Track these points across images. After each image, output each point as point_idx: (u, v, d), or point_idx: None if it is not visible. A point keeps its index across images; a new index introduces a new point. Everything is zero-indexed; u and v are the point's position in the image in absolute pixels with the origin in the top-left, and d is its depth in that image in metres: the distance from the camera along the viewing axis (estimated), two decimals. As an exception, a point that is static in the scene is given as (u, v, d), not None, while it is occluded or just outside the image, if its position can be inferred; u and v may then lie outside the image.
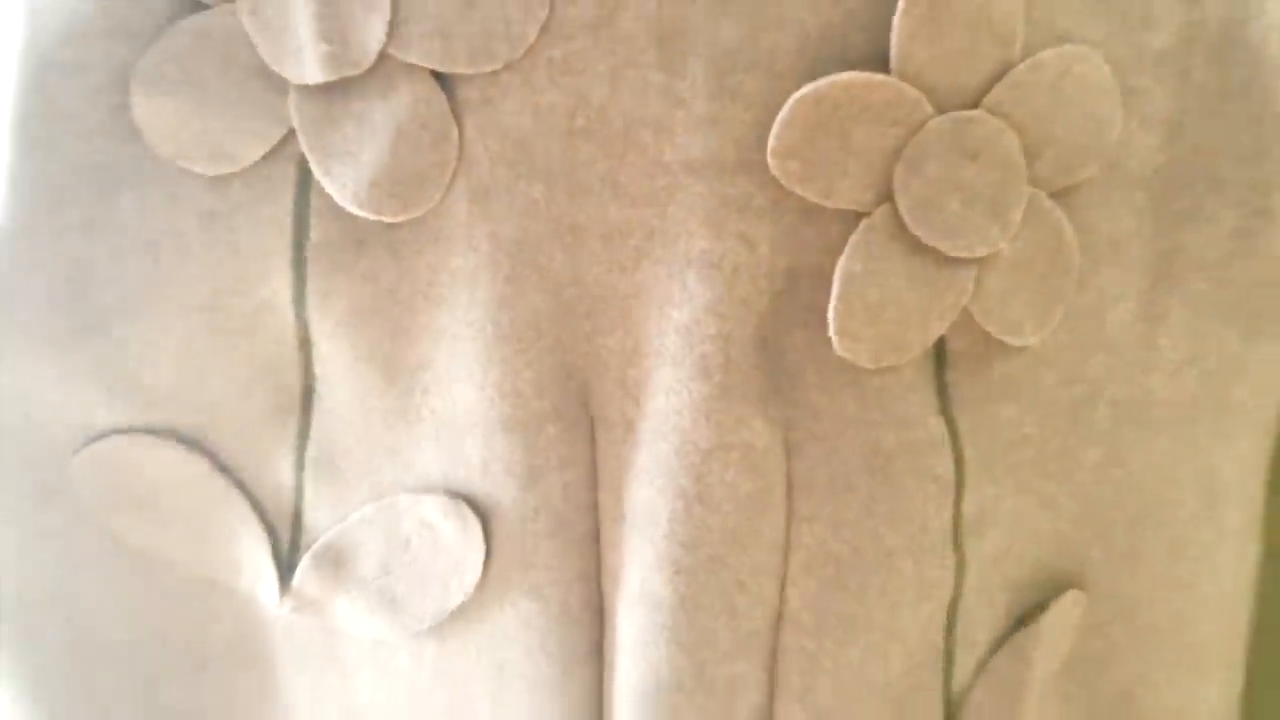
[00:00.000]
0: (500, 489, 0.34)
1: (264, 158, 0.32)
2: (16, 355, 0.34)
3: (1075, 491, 0.38)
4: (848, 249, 0.32)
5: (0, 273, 0.33)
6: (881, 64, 0.31)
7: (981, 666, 0.38)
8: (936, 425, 0.35)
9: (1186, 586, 0.41)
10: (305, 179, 0.33)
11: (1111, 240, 0.36)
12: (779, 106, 0.31)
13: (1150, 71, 0.34)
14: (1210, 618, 0.42)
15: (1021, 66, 0.32)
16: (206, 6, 0.32)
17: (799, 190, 0.32)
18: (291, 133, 0.32)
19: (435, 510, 0.35)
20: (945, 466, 0.35)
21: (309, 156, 0.32)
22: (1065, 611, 0.39)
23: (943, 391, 0.35)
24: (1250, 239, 0.37)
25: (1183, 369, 0.39)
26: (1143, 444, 0.39)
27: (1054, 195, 0.34)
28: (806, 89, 0.31)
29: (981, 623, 0.38)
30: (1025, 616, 0.39)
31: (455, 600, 0.35)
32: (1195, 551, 0.41)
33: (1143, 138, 0.35)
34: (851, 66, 0.31)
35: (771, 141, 0.31)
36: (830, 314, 0.32)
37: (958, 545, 0.36)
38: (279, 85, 0.32)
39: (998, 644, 0.38)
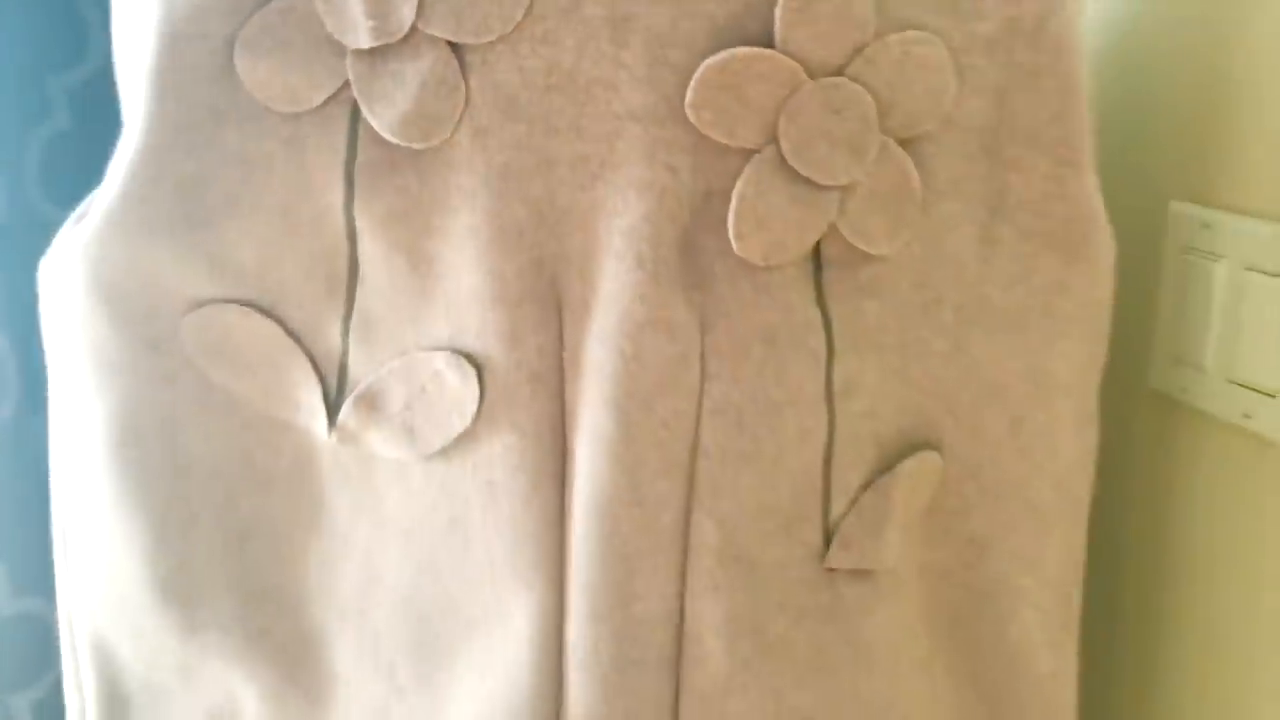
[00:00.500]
0: (491, 348, 0.47)
1: (326, 101, 0.45)
2: (145, 241, 0.47)
3: (927, 371, 0.50)
4: (743, 175, 0.45)
5: (138, 180, 0.46)
6: (769, 42, 0.44)
7: (853, 502, 0.50)
8: (813, 312, 0.47)
9: (1023, 455, 0.53)
10: (355, 116, 0.46)
11: (950, 179, 0.48)
12: (694, 71, 0.44)
13: (980, 52, 0.46)
14: (1046, 482, 0.54)
15: (874, 45, 0.44)
16: (288, -8, 0.45)
17: (709, 133, 0.44)
18: (346, 83, 0.45)
19: (443, 363, 0.48)
20: (818, 342, 0.47)
21: (359, 100, 0.45)
22: (921, 465, 0.51)
23: (819, 287, 0.48)
24: (1061, 183, 0.49)
25: (1015, 284, 0.50)
26: (982, 339, 0.51)
27: (901, 143, 0.46)
28: (713, 59, 0.44)
29: (853, 467, 0.50)
30: (890, 467, 0.51)
31: (457, 430, 0.48)
32: (1030, 428, 0.53)
33: (975, 102, 0.47)
34: (748, 44, 0.44)
35: (689, 97, 0.44)
36: (729, 223, 0.45)
37: (829, 403, 0.48)
38: (339, 49, 0.45)
39: (866, 485, 0.51)
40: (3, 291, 0.74)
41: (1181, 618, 0.63)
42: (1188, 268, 0.60)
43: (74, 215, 0.53)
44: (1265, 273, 0.54)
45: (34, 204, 0.80)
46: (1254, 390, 0.55)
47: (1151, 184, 0.63)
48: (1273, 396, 0.54)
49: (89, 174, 0.68)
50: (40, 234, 0.74)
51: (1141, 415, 0.65)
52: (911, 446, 0.51)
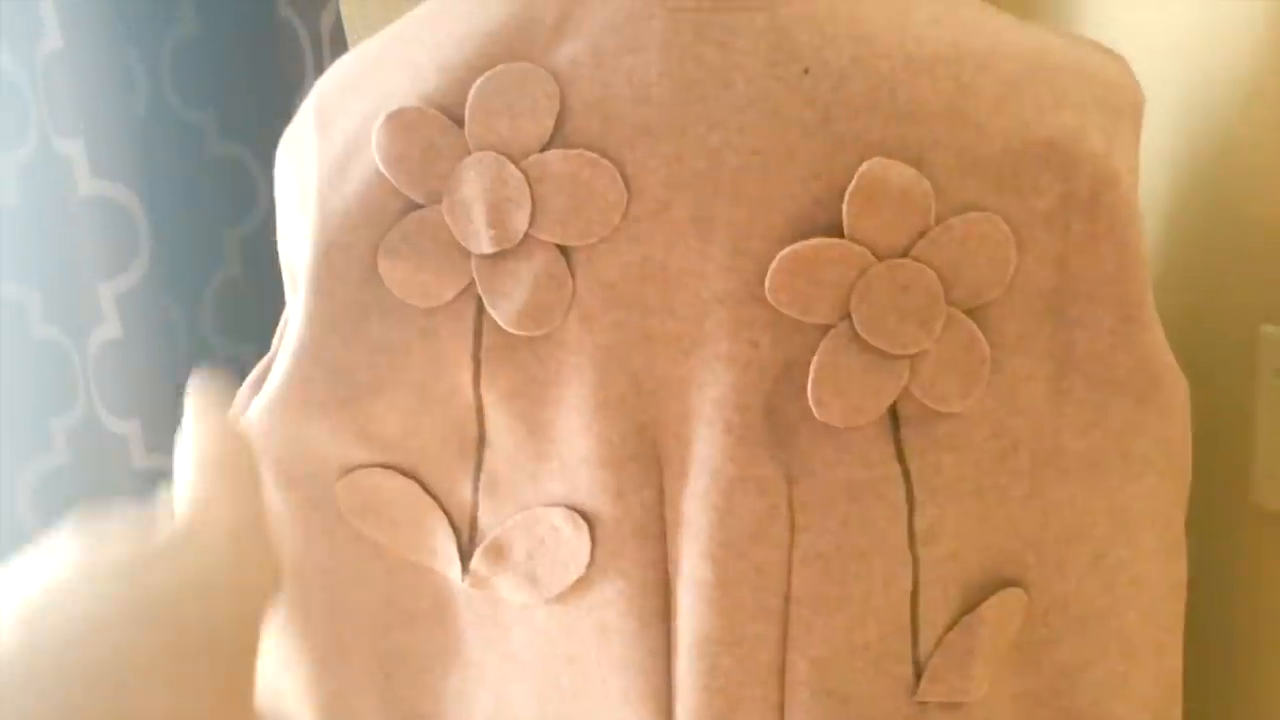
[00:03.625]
0: (600, 504, 0.53)
1: (455, 296, 0.53)
2: (305, 416, 0.55)
3: (1008, 515, 0.54)
4: (820, 348, 0.50)
5: (299, 365, 0.54)
6: (838, 231, 0.49)
7: (940, 640, 0.54)
8: (893, 466, 0.52)
9: (1106, 588, 0.56)
10: (480, 309, 0.53)
11: (1018, 337, 0.52)
12: (773, 259, 0.49)
13: (1040, 225, 0.50)
14: (1134, 612, 0.56)
15: (937, 228, 0.49)
16: (422, 206, 0.52)
17: (787, 312, 0.50)
18: (472, 282, 0.52)
19: (559, 518, 0.54)
20: (899, 494, 0.52)
21: (482, 296, 0.52)
22: (1005, 601, 0.54)
23: (898, 443, 0.52)
24: (1125, 337, 0.52)
25: (1089, 429, 0.54)
26: (1060, 482, 0.54)
27: (968, 312, 0.50)
28: (789, 249, 0.49)
29: (939, 606, 0.54)
30: (975, 604, 0.55)
31: (572, 576, 0.54)
32: (1112, 562, 0.56)
33: (1037, 269, 0.51)
34: (820, 234, 0.49)
35: (768, 282, 0.49)
36: (809, 391, 0.50)
37: (913, 550, 0.52)
38: (465, 253, 0.52)
39: (953, 624, 0.54)
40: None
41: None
42: (1279, 389, 0.62)
43: (248, 383, 0.62)
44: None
45: (208, 339, 0.90)
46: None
47: (1244, 307, 0.65)
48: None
49: (259, 313, 0.76)
50: (214, 367, 0.83)
51: (1245, 530, 0.66)
52: (996, 584, 0.55)
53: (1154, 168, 0.72)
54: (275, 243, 0.75)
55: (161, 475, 0.83)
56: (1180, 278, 0.71)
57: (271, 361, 0.59)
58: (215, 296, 0.91)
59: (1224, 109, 0.65)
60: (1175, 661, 0.58)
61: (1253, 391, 0.64)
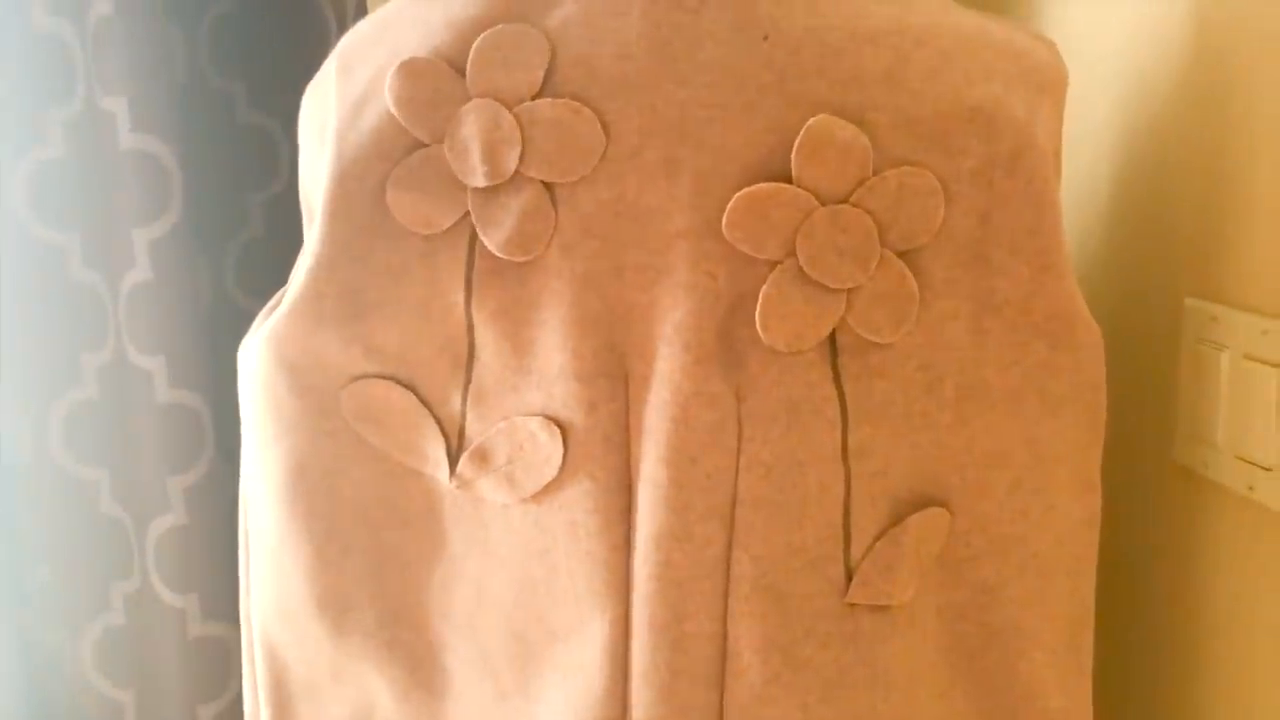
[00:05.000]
0: (573, 414, 0.60)
1: (453, 225, 0.60)
2: (317, 329, 0.62)
3: (934, 439, 0.61)
4: (768, 280, 0.57)
5: (313, 282, 0.62)
6: (788, 178, 0.56)
7: (869, 548, 0.61)
8: (830, 388, 0.58)
9: (1023, 512, 0.62)
10: (474, 237, 0.60)
11: (945, 281, 0.58)
12: (730, 201, 0.56)
13: (966, 181, 0.57)
14: (1048, 537, 0.63)
15: (874, 179, 0.56)
16: (427, 145, 0.59)
17: (741, 247, 0.57)
18: (467, 212, 0.59)
19: (537, 426, 0.61)
20: (834, 414, 0.58)
21: (476, 225, 0.59)
22: (929, 518, 0.61)
23: (835, 367, 0.59)
24: (1042, 284, 0.59)
25: (1009, 367, 0.60)
26: (981, 413, 0.61)
27: (900, 254, 0.57)
28: (744, 191, 0.56)
29: (869, 519, 0.60)
30: (902, 519, 0.61)
31: (547, 478, 0.61)
32: (1028, 489, 0.62)
33: (962, 220, 0.58)
34: (772, 179, 0.56)
35: (725, 220, 0.56)
36: (757, 318, 0.57)
37: (845, 463, 0.59)
38: (461, 187, 0.59)
39: (881, 534, 0.61)
40: (207, 368, 0.91)
41: (1199, 667, 0.69)
42: (1200, 357, 0.68)
43: (265, 308, 0.69)
44: (1261, 361, 0.62)
45: (230, 293, 0.97)
46: (1255, 465, 0.63)
47: (1170, 281, 0.71)
48: (1269, 470, 0.62)
49: (277, 273, 0.83)
50: (235, 321, 0.90)
51: (1167, 486, 0.72)
52: (922, 502, 0.61)
53: (1096, 156, 0.78)
54: (296, 209, 0.82)
55: (182, 409, 0.91)
56: (1113, 254, 0.77)
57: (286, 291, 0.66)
58: (238, 253, 0.98)
59: (1156, 103, 0.71)
60: (1087, 586, 0.65)
61: (1176, 359, 0.70)
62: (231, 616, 0.92)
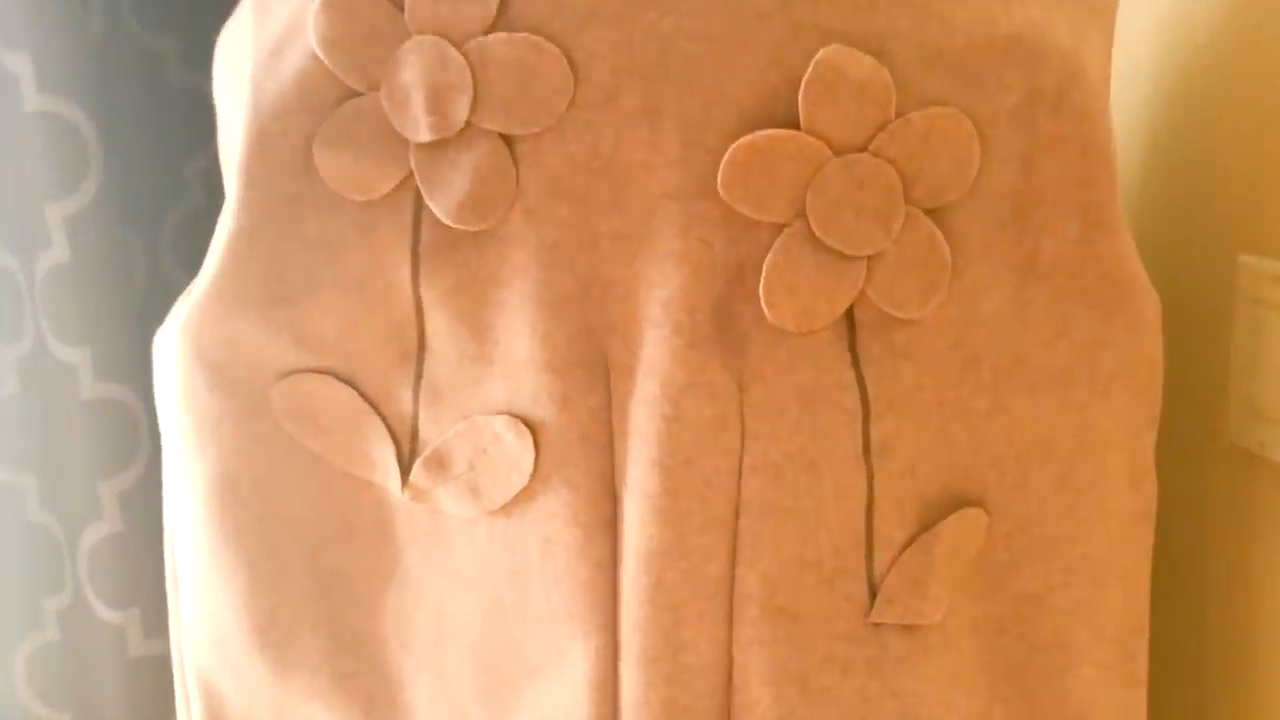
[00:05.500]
0: (545, 411, 0.51)
1: (394, 189, 0.50)
2: (238, 316, 0.53)
3: (968, 430, 0.52)
4: (774, 247, 0.48)
5: (230, 261, 0.52)
6: (795, 124, 0.47)
7: (896, 558, 0.52)
8: (847, 374, 0.50)
9: (1071, 510, 0.54)
10: (419, 202, 0.50)
11: (982, 244, 0.50)
12: (726, 151, 0.47)
13: (1004, 123, 0.48)
14: (1099, 537, 0.55)
15: (896, 122, 0.47)
16: (360, 94, 0.50)
17: (740, 209, 0.47)
18: (410, 173, 0.50)
19: (502, 426, 0.52)
20: (853, 404, 0.50)
21: (421, 188, 0.50)
22: (964, 521, 0.53)
23: (854, 349, 0.50)
24: (1093, 244, 0.50)
25: (1054, 341, 0.52)
26: (1024, 397, 0.52)
27: (930, 212, 0.48)
28: (742, 141, 0.47)
29: (895, 523, 0.52)
30: (933, 524, 0.53)
31: (516, 487, 0.52)
32: (1077, 483, 0.54)
33: (1001, 170, 0.49)
34: (775, 126, 0.47)
35: (720, 176, 0.47)
36: (761, 292, 0.48)
37: (867, 461, 0.50)
38: (403, 142, 0.50)
39: (910, 542, 0.52)
40: (140, 358, 0.83)
41: (1260, 674, 0.62)
42: (1257, 320, 0.60)
43: (183, 294, 0.60)
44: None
45: (168, 273, 0.89)
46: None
47: (1221, 237, 0.64)
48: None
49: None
50: (170, 307, 0.82)
51: (1222, 470, 0.65)
52: (955, 503, 0.53)
53: (1141, 97, 0.70)
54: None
55: (112, 405, 0.82)
56: (1160, 208, 0.69)
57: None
58: (175, 229, 0.90)
59: (1207, 48, 0.64)
60: (1142, 591, 0.57)
61: (1230, 323, 0.62)
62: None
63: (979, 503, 0.53)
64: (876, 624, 0.52)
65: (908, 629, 0.53)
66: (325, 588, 0.57)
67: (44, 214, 0.79)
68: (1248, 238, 0.61)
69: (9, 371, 0.85)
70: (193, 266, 0.88)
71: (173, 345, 0.55)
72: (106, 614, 0.85)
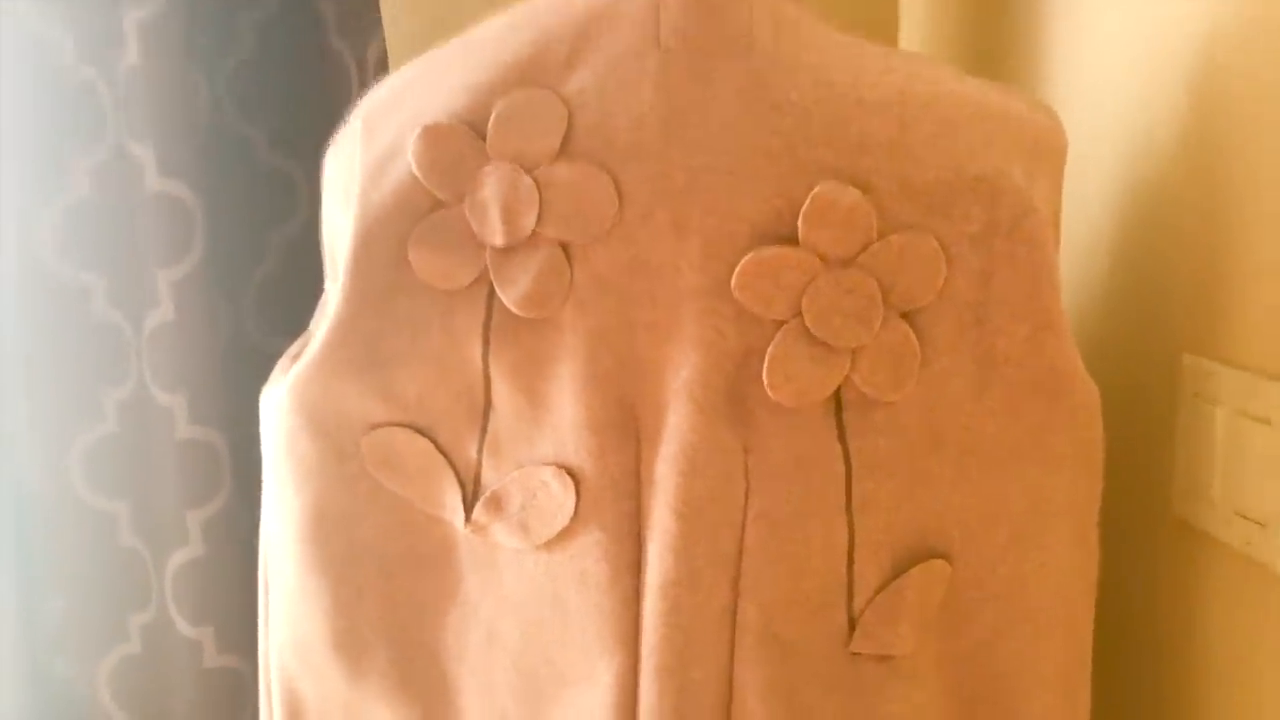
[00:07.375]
0: (585, 464, 0.62)
1: (471, 282, 0.62)
2: (339, 378, 0.64)
3: (935, 495, 0.62)
4: (775, 339, 0.59)
5: (336, 334, 0.64)
6: (795, 241, 0.58)
7: (871, 599, 0.62)
8: (834, 444, 0.60)
9: (1018, 564, 0.64)
10: (491, 293, 0.62)
11: (946, 341, 0.60)
12: (739, 262, 0.58)
13: (967, 245, 0.59)
14: (1044, 591, 0.64)
15: (878, 243, 0.58)
16: (447, 205, 0.62)
17: (749, 307, 0.59)
18: (485, 270, 0.62)
19: (550, 475, 0.63)
20: (838, 469, 0.60)
21: (494, 282, 0.61)
22: (930, 571, 0.63)
23: (840, 424, 0.61)
24: (1041, 343, 0.61)
25: (1009, 424, 0.62)
26: (982, 468, 0.62)
27: (903, 315, 0.59)
28: (752, 254, 0.58)
29: (871, 570, 0.62)
30: (904, 571, 0.63)
31: (559, 526, 0.62)
32: (1026, 543, 0.64)
33: (963, 283, 0.60)
34: (779, 242, 0.58)
35: (734, 281, 0.59)
36: (764, 375, 0.59)
37: (849, 516, 0.61)
38: (480, 246, 0.61)
39: (883, 586, 0.62)
40: (226, 405, 0.93)
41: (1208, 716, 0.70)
42: (1196, 412, 0.69)
43: (287, 355, 0.71)
44: (1255, 419, 0.63)
45: (250, 332, 0.99)
46: (1251, 520, 0.64)
47: (1168, 337, 0.72)
48: (1263, 526, 0.63)
49: (294, 310, 0.85)
50: (252, 359, 0.92)
51: (1166, 540, 0.73)
52: (923, 554, 0.63)
53: (1097, 215, 0.80)
54: (313, 245, 0.84)
55: (201, 445, 0.92)
56: (1113, 310, 0.79)
57: (308, 340, 0.68)
58: (257, 291, 1.00)
59: (1155, 163, 0.73)
60: (1084, 640, 0.66)
61: (1174, 414, 0.71)
62: (245, 648, 0.94)
63: (944, 555, 0.63)
64: (855, 653, 0.62)
65: (882, 658, 0.63)
66: (396, 606, 0.68)
67: (156, 279, 0.90)
68: (1191, 339, 0.70)
69: (110, 412, 0.95)
70: (270, 327, 0.99)
71: (281, 401, 0.66)
72: (186, 630, 0.95)
